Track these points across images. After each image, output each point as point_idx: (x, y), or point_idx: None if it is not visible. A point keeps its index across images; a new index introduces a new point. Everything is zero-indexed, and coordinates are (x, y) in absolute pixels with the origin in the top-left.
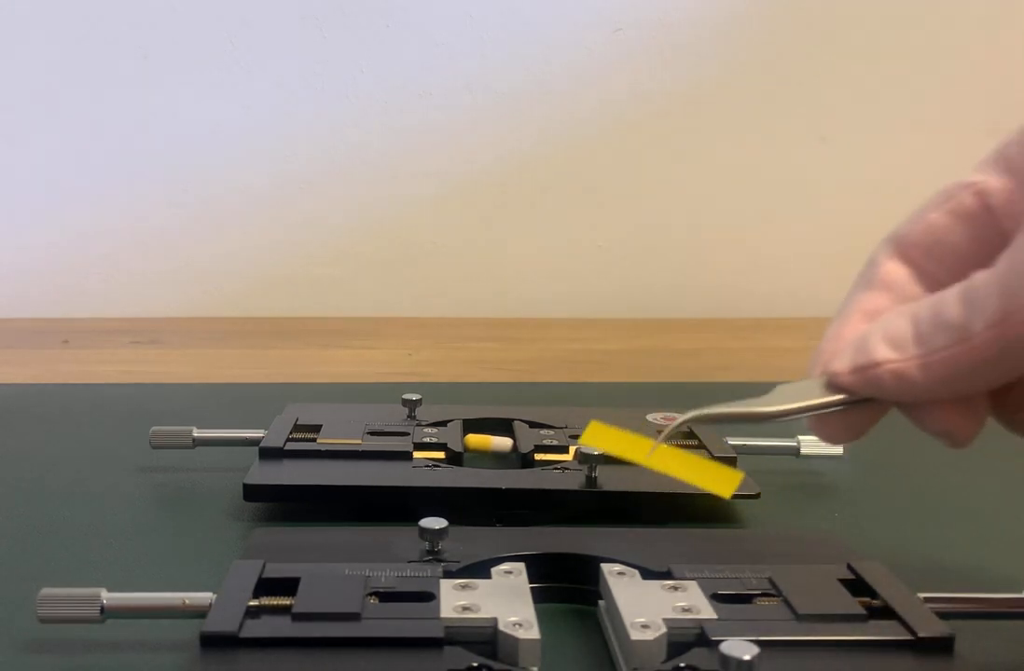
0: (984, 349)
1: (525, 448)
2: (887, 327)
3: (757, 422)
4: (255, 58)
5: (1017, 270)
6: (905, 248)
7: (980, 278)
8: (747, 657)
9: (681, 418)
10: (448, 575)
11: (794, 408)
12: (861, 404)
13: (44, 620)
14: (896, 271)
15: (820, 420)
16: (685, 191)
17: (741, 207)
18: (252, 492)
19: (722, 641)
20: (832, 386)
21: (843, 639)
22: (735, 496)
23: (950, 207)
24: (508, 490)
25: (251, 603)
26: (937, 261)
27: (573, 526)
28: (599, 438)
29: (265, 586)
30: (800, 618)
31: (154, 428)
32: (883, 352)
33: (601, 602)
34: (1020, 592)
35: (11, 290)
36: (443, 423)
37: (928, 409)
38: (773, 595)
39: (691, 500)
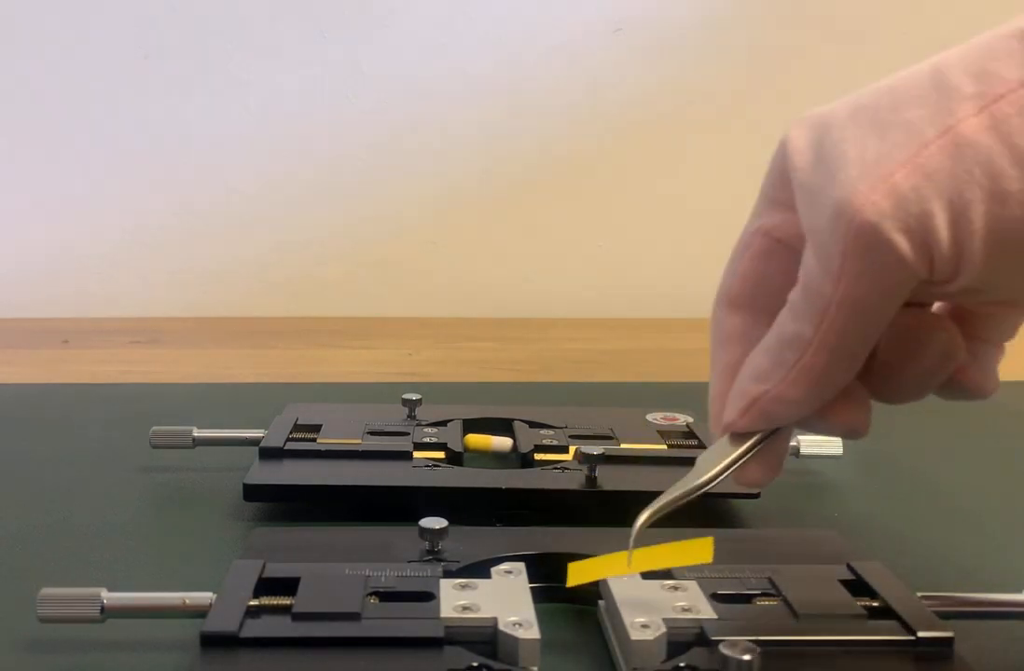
0: (824, 347)
1: (525, 448)
2: (749, 367)
3: (697, 495)
4: (255, 58)
5: (811, 276)
6: (734, 301)
7: (794, 294)
8: (747, 657)
9: (635, 527)
10: (448, 575)
11: (720, 469)
12: (768, 440)
13: (44, 620)
14: (737, 324)
15: (742, 471)
16: (685, 191)
17: (741, 207)
18: (252, 492)
19: (722, 641)
20: (735, 437)
21: (843, 639)
22: (735, 496)
23: (751, 253)
24: (508, 490)
25: (251, 603)
26: (766, 300)
27: (573, 526)
28: (583, 575)
29: (265, 586)
30: (800, 618)
31: (154, 428)
32: (756, 388)
33: (601, 602)
34: (1020, 592)
35: (11, 290)
36: (443, 423)
37: (821, 416)
38: (773, 595)
39: (691, 500)
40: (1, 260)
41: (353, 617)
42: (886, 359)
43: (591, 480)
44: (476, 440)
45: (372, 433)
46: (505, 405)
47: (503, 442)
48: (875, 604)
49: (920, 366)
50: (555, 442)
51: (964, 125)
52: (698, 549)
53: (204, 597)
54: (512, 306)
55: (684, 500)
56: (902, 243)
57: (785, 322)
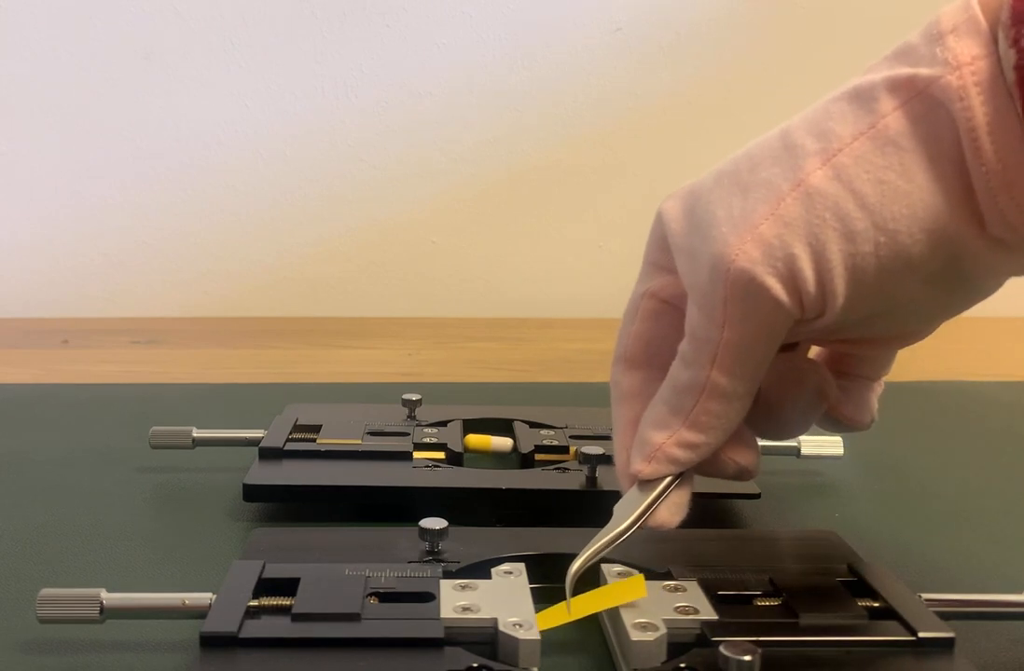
0: (716, 389)
1: (525, 448)
2: (649, 418)
3: (619, 541)
4: (255, 58)
5: (697, 326)
6: (630, 361)
7: (683, 346)
8: (747, 658)
9: (569, 578)
10: (448, 575)
11: (636, 516)
12: (674, 483)
13: (44, 620)
14: (635, 381)
15: (655, 516)
16: None
17: None
18: (252, 492)
19: (722, 642)
20: (644, 485)
21: (844, 640)
22: (735, 496)
23: (642, 315)
24: (508, 490)
25: (251, 603)
26: (659, 358)
27: (573, 526)
28: (547, 622)
29: (265, 586)
30: (800, 619)
31: (154, 428)
32: (658, 436)
33: None
34: (1020, 592)
35: (11, 290)
36: (443, 423)
37: (717, 459)
38: (773, 595)
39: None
40: (1, 260)
41: (353, 618)
42: (767, 399)
43: (591, 480)
44: (476, 440)
45: (372, 433)
46: (505, 405)
47: (503, 442)
48: (876, 604)
49: (797, 404)
50: (555, 442)
51: (812, 177)
52: (632, 587)
53: (204, 598)
54: (512, 306)
55: (607, 549)
56: (774, 285)
57: (678, 372)
